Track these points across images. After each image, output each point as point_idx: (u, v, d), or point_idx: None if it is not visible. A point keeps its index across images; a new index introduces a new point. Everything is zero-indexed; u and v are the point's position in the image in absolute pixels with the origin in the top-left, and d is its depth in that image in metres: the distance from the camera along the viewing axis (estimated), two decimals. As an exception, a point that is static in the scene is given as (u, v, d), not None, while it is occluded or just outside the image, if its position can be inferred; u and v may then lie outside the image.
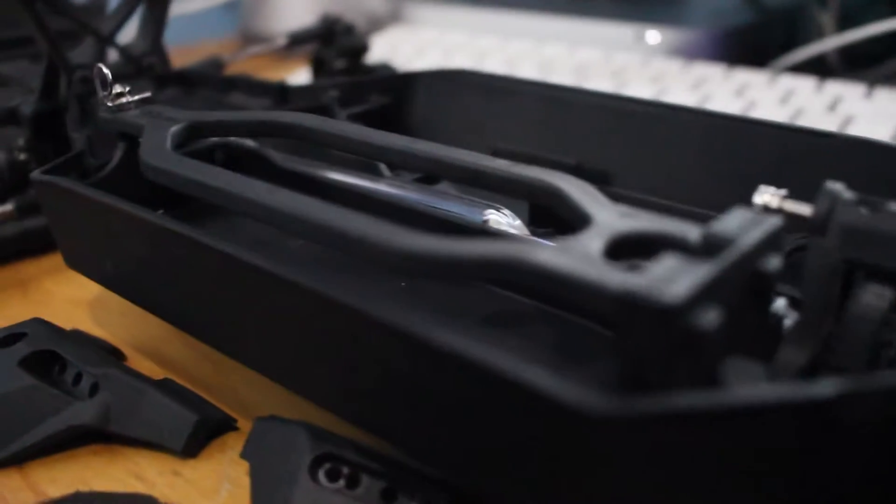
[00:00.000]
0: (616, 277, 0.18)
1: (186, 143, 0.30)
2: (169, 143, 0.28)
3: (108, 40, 0.41)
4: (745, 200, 0.32)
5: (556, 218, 0.33)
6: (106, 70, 0.31)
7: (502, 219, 0.29)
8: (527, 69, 0.59)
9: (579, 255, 0.19)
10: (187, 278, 0.27)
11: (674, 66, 0.57)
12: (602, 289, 0.18)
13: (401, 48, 0.65)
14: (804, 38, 0.64)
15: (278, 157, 0.33)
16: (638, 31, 0.61)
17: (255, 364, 0.26)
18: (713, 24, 0.64)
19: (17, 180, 0.40)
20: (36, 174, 0.30)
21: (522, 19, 0.68)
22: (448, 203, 0.30)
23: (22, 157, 0.40)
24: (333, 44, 0.51)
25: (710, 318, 0.17)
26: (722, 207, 0.33)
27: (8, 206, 0.38)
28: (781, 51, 0.60)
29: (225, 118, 0.30)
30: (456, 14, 0.70)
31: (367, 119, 0.39)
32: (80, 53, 0.41)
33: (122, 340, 0.33)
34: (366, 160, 0.34)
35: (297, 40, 0.51)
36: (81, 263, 0.31)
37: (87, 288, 0.36)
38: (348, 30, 0.51)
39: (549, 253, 0.19)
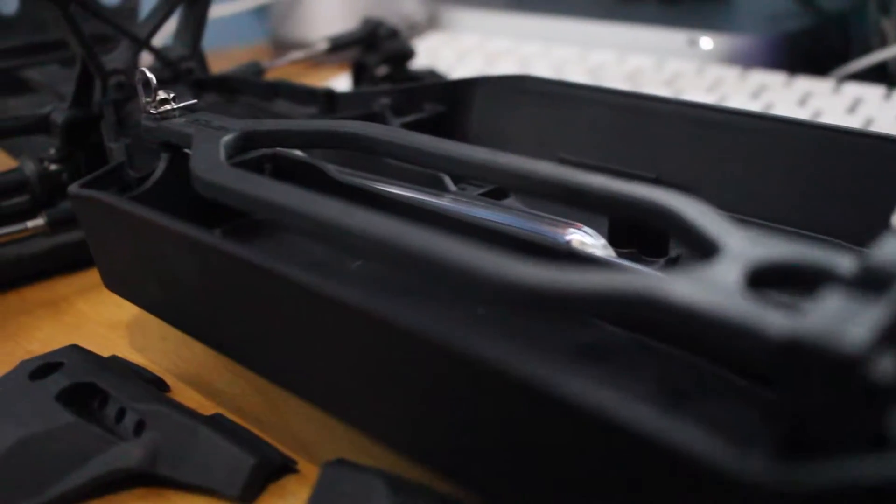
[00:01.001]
0: (776, 319, 0.15)
1: (237, 154, 0.27)
2: (222, 155, 0.25)
3: (145, 44, 0.39)
4: (846, 220, 0.29)
5: (638, 237, 0.30)
6: (150, 74, 0.29)
7: (587, 239, 0.26)
8: (575, 76, 0.56)
9: (719, 291, 0.16)
10: (240, 303, 0.24)
11: (731, 74, 0.54)
12: (759, 333, 0.15)
13: (441, 54, 0.62)
14: (862, 45, 0.61)
15: (333, 170, 0.30)
16: (691, 37, 0.59)
17: (315, 398, 0.24)
18: (766, 29, 0.61)
19: (48, 192, 0.38)
20: (74, 188, 0.27)
21: (566, 24, 0.65)
22: (524, 221, 0.28)
23: (53, 167, 0.38)
24: (376, 49, 0.49)
25: (891, 366, 0.15)
26: (821, 227, 0.30)
27: (39, 221, 0.35)
28: (838, 57, 0.58)
29: (281, 127, 0.27)
30: (497, 19, 0.67)
31: (421, 128, 0.37)
32: (114, 58, 0.39)
33: (163, 369, 0.30)
34: (426, 172, 0.32)
35: (339, 45, 0.49)
36: (122, 286, 0.29)
37: (124, 309, 0.34)
38: (392, 34, 0.49)
39: (687, 288, 0.16)
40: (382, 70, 0.50)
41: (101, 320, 0.34)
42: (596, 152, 0.35)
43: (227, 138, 0.26)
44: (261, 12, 0.79)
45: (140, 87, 0.29)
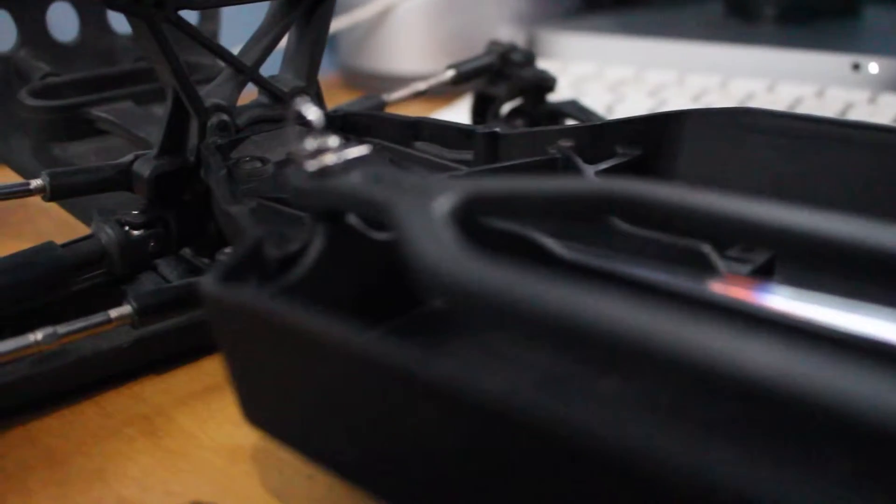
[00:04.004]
0: None
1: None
2: (452, 236, 0.16)
3: (251, 74, 0.30)
4: None
5: None
6: (313, 110, 0.20)
7: None
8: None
9: None
10: (465, 460, 0.15)
11: (913, 103, 0.46)
12: None
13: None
14: None
15: (556, 246, 0.22)
16: (855, 60, 0.50)
17: None
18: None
19: (131, 267, 0.29)
20: (211, 284, 0.18)
21: (686, 48, 0.56)
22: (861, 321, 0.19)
23: (136, 234, 0.29)
24: (508, 78, 0.40)
25: None
26: None
27: (126, 309, 0.26)
28: None
29: (522, 190, 0.18)
30: (607, 44, 0.59)
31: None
32: (212, 91, 0.30)
33: (320, 529, 0.21)
34: (678, 244, 0.23)
35: (466, 75, 0.40)
36: (275, 423, 0.20)
37: (241, 428, 0.25)
38: (528, 61, 0.40)
39: None
40: (510, 103, 0.41)
41: (214, 446, 0.25)
42: (860, 207, 0.26)
43: (446, 207, 0.17)
44: (330, 42, 0.71)
45: (291, 131, 0.20)
